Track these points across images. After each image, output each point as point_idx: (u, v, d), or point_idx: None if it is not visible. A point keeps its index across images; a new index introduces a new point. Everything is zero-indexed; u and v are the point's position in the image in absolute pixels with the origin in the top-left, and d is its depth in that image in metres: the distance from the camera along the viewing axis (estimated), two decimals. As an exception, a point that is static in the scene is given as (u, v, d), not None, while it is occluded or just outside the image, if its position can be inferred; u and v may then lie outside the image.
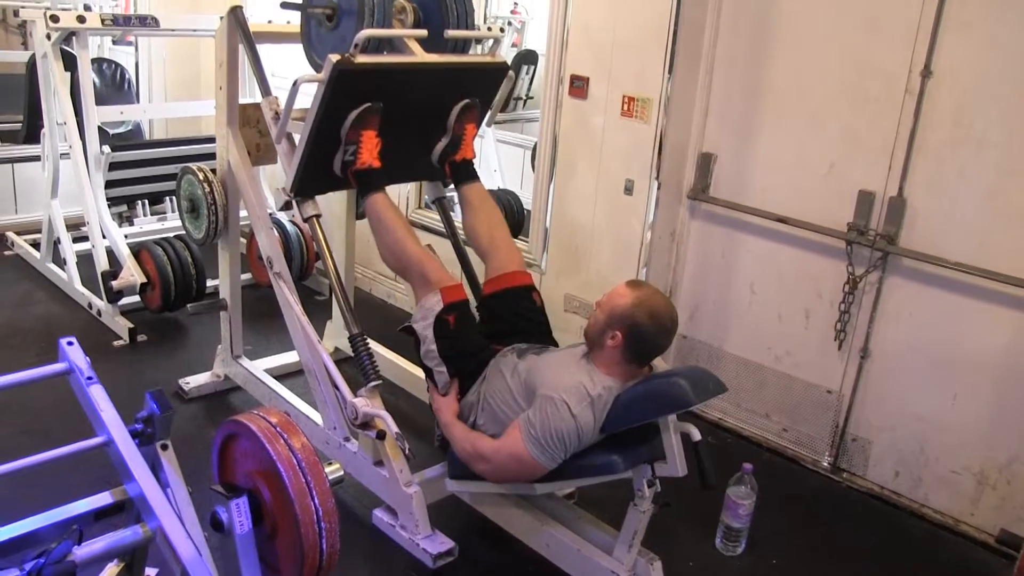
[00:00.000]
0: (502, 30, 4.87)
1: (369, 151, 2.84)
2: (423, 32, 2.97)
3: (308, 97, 2.75)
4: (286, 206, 2.99)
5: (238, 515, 2.17)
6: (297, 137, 2.89)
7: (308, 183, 2.95)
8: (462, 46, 3.16)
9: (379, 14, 2.83)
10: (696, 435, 2.41)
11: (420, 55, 2.94)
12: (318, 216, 2.98)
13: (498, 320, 2.87)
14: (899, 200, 3.13)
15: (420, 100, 2.98)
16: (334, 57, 2.64)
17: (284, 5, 3.05)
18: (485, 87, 3.16)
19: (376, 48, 2.88)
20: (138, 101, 6.20)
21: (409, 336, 2.80)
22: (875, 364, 3.32)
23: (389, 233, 2.84)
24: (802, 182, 3.38)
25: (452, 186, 3.22)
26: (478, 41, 3.32)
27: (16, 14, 6.14)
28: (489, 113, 3.26)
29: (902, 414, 3.27)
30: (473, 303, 2.94)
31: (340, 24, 2.93)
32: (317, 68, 2.98)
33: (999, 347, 3.00)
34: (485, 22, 4.97)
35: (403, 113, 2.91)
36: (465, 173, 3.11)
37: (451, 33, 3.03)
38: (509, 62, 3.37)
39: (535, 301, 2.92)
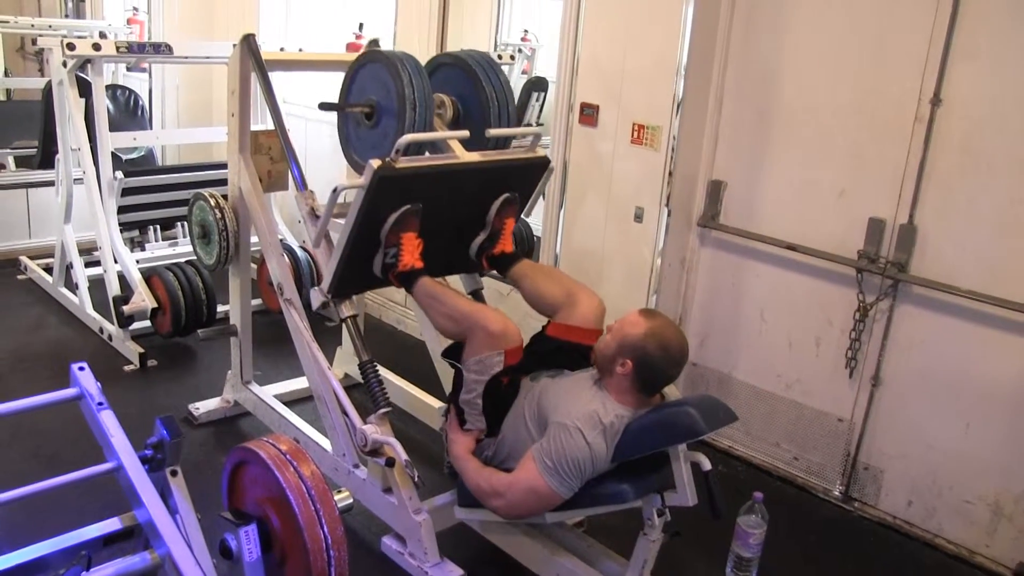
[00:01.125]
0: (512, 57, 4.90)
1: (410, 252, 2.78)
2: (465, 133, 2.90)
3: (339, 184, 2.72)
4: (323, 306, 2.95)
5: (247, 543, 2.17)
6: (335, 236, 2.85)
7: (346, 283, 2.89)
8: (503, 141, 3.08)
9: (420, 110, 2.78)
10: (706, 464, 2.40)
11: (461, 154, 2.89)
12: (355, 316, 2.94)
13: (548, 362, 2.77)
14: (909, 227, 3.12)
15: (461, 198, 2.94)
16: (375, 163, 2.59)
17: (322, 106, 3.00)
18: (525, 181, 3.10)
19: (417, 148, 2.84)
20: (151, 127, 6.25)
21: (450, 365, 2.75)
22: (886, 392, 3.31)
23: (441, 304, 2.74)
24: (812, 209, 3.38)
25: (488, 273, 3.16)
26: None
27: (34, 42, 6.23)
28: (529, 204, 3.21)
29: (914, 443, 3.25)
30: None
31: (380, 122, 2.89)
32: (355, 165, 2.96)
33: (1012, 375, 2.98)
34: (495, 49, 5.00)
35: (443, 212, 2.86)
36: (505, 263, 3.03)
37: (493, 132, 2.95)
38: (519, 89, 3.34)
39: (590, 360, 2.73)
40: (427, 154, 2.96)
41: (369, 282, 2.95)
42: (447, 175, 2.85)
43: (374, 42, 3.55)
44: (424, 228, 2.80)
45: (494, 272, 3.13)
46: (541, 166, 3.11)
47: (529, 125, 4.26)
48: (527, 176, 3.11)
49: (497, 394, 2.62)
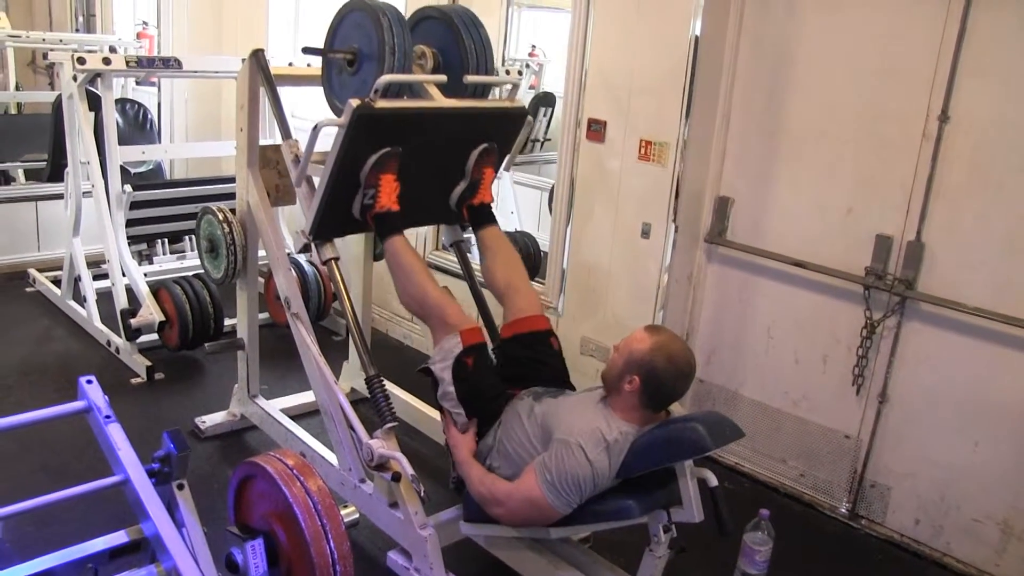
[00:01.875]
0: (520, 72, 4.93)
1: (388, 195, 2.86)
2: (443, 77, 3.00)
3: (328, 140, 2.78)
4: (305, 248, 3.01)
5: (253, 557, 2.17)
6: (317, 180, 2.92)
7: (327, 226, 2.96)
8: (481, 91, 3.19)
9: (399, 59, 2.86)
10: (713, 481, 2.39)
11: (440, 100, 2.97)
12: (336, 259, 3.00)
13: (515, 364, 2.86)
14: (917, 244, 3.12)
15: (439, 145, 3.01)
16: (354, 102, 2.67)
17: (306, 50, 3.09)
18: (504, 132, 3.18)
19: (396, 93, 2.91)
20: (160, 141, 6.28)
21: (426, 377, 2.80)
22: (894, 409, 3.30)
23: (408, 276, 2.85)
24: (819, 226, 3.38)
25: (470, 229, 3.24)
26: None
27: (45, 56, 6.25)
28: (507, 158, 3.28)
29: (922, 460, 3.24)
30: (490, 345, 2.94)
31: (361, 69, 2.97)
32: (338, 112, 3.01)
33: (1021, 393, 2.97)
34: (503, 64, 5.02)
35: (422, 157, 2.93)
36: (483, 217, 3.12)
37: (470, 78, 3.06)
38: (527, 104, 3.39)
39: (552, 346, 2.91)
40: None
41: (350, 225, 3.02)
42: (425, 118, 2.92)
43: None
44: (403, 173, 2.87)
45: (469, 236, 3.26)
46: (519, 116, 3.19)
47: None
48: (505, 126, 3.18)
49: (468, 379, 2.68)
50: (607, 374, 2.52)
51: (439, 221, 3.33)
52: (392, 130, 2.81)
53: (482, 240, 3.11)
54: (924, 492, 3.25)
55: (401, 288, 2.89)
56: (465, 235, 3.47)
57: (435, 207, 3.19)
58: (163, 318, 4.29)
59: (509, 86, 3.25)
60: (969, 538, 3.16)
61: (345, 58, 3.00)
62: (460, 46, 3.10)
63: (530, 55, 6.34)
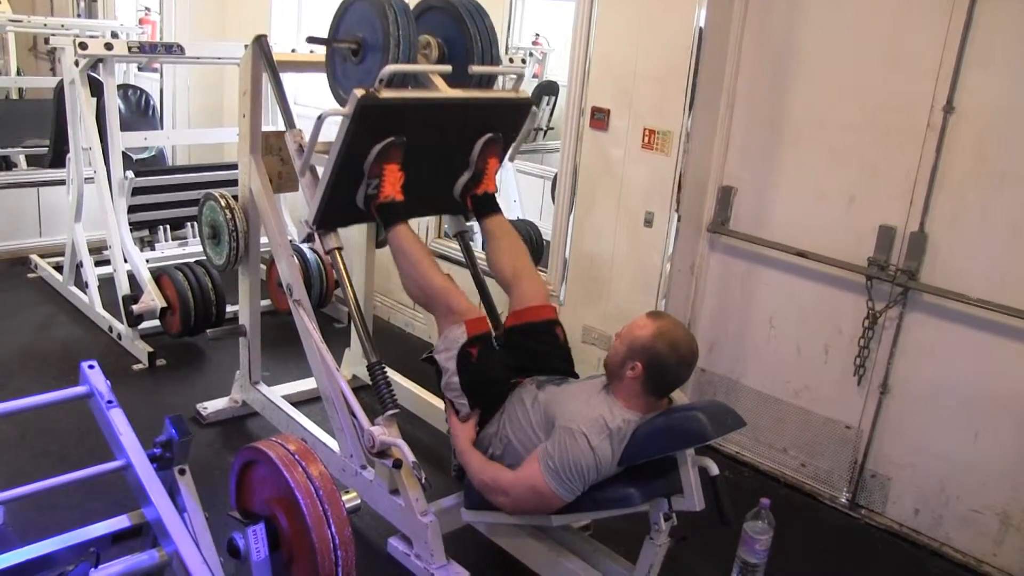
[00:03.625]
0: (524, 61, 4.91)
1: (392, 184, 2.85)
2: (447, 68, 2.99)
3: (332, 128, 2.77)
4: (308, 238, 3.00)
5: (255, 542, 2.17)
6: (320, 170, 2.92)
7: (331, 216, 2.96)
8: (486, 81, 3.17)
9: (404, 48, 2.85)
10: (714, 469, 2.40)
11: (444, 90, 2.96)
12: (340, 248, 3.00)
13: (520, 353, 2.86)
14: (920, 235, 3.12)
15: (443, 134, 3.00)
16: (359, 91, 2.66)
17: (310, 39, 3.08)
18: (509, 122, 3.17)
19: (401, 83, 2.91)
20: (162, 127, 6.27)
21: (430, 366, 2.80)
22: (895, 400, 3.30)
23: (412, 265, 2.84)
24: (822, 216, 3.38)
25: (473, 219, 3.23)
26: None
27: (47, 41, 6.25)
28: (512, 147, 3.27)
29: (922, 451, 3.24)
30: (492, 334, 2.94)
31: (365, 59, 2.96)
32: (342, 102, 3.00)
33: (1022, 384, 2.97)
34: (507, 53, 5.01)
35: (426, 147, 2.92)
36: (487, 206, 3.12)
37: (475, 69, 3.05)
38: (530, 93, 3.38)
39: (558, 336, 2.90)
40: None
41: (353, 215, 3.02)
42: (429, 109, 2.91)
43: None
44: (407, 163, 2.87)
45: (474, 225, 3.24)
46: (524, 106, 3.18)
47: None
48: (510, 117, 3.17)
49: (472, 369, 2.68)
50: (609, 361, 2.51)
51: (443, 211, 3.33)
52: (396, 120, 2.80)
53: (487, 229, 3.11)
54: (924, 483, 3.25)
55: (405, 277, 2.89)
56: (468, 224, 3.46)
57: (439, 197, 3.18)
58: (165, 304, 4.28)
59: (514, 76, 3.23)
60: (968, 528, 3.16)
61: (350, 48, 2.99)
62: (465, 36, 3.08)
63: (534, 43, 6.32)
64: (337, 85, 3.13)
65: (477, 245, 3.74)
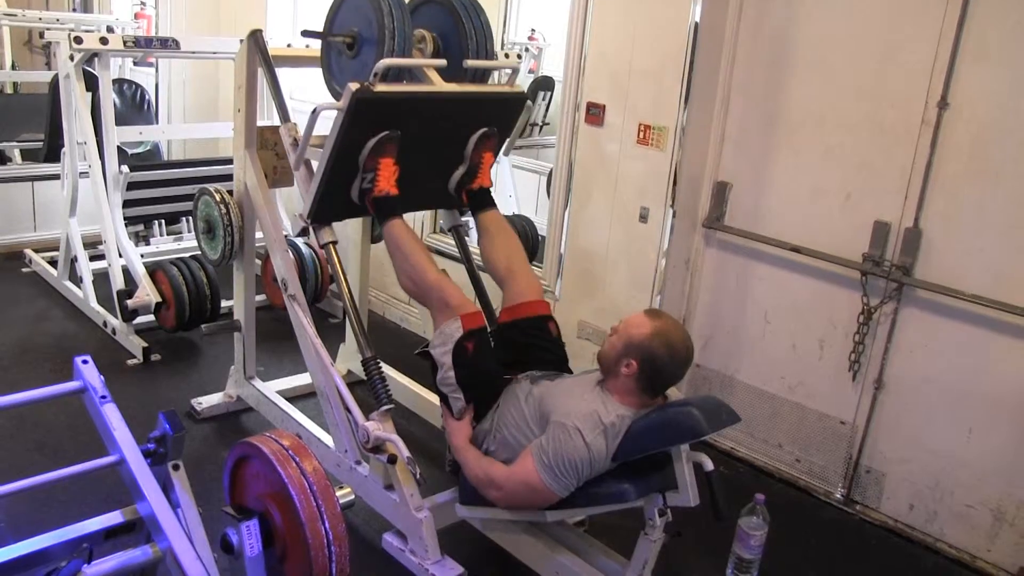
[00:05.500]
0: (519, 56, 4.91)
1: (387, 178, 2.85)
2: (442, 62, 2.99)
3: (327, 122, 2.77)
4: (303, 232, 3.00)
5: (248, 537, 2.17)
6: (315, 164, 2.91)
7: (325, 210, 2.96)
8: (481, 75, 3.18)
9: (399, 42, 2.84)
10: (709, 465, 2.40)
11: (439, 84, 2.96)
12: (334, 242, 2.99)
13: (514, 349, 2.86)
14: (915, 231, 3.12)
15: (438, 129, 2.99)
16: (353, 85, 2.66)
17: (305, 33, 3.07)
18: (503, 116, 3.16)
19: (396, 77, 2.90)
20: (157, 122, 6.26)
21: (425, 361, 2.80)
22: (890, 396, 3.30)
23: (407, 259, 2.84)
24: (817, 212, 3.38)
25: (468, 213, 3.23)
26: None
27: (41, 35, 6.23)
28: (507, 142, 3.26)
29: (917, 447, 3.25)
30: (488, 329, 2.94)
31: (360, 53, 2.95)
32: (337, 96, 3.00)
33: (1016, 380, 2.97)
34: (502, 48, 5.00)
35: (421, 141, 2.92)
36: (482, 201, 3.12)
37: (470, 63, 3.05)
38: (526, 88, 3.38)
39: (552, 331, 2.90)
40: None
41: (348, 209, 3.02)
42: (424, 103, 2.91)
43: None
44: (402, 157, 2.87)
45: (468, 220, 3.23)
46: (519, 101, 3.19)
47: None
48: (505, 111, 3.17)
49: (468, 364, 2.67)
50: (604, 356, 2.52)
51: (438, 205, 3.33)
52: (391, 114, 2.80)
53: (482, 224, 3.11)
54: (918, 478, 3.26)
55: (400, 271, 2.88)
56: (463, 219, 3.46)
57: (434, 191, 3.18)
58: (160, 299, 4.27)
59: (509, 70, 3.23)
60: (962, 524, 3.17)
61: (344, 41, 2.99)
62: (460, 30, 3.08)
63: (529, 38, 6.31)
64: (332, 79, 3.12)
65: (472, 240, 3.73)
